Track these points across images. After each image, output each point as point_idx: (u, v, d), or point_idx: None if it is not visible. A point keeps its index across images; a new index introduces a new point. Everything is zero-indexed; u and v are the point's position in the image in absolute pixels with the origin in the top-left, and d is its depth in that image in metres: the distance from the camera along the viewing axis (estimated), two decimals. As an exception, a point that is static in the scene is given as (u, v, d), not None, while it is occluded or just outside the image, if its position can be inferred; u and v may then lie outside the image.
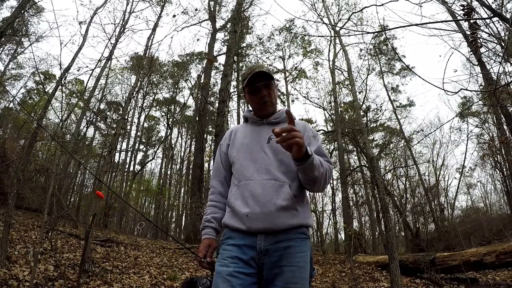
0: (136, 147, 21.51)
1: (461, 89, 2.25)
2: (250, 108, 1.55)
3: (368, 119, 14.72)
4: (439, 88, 1.93)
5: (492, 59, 6.78)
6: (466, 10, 2.50)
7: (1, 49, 15.39)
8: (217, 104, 9.28)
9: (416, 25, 1.96)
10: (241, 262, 1.18)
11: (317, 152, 1.33)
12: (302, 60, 18.86)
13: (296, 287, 1.15)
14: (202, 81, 13.90)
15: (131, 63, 16.27)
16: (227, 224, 1.30)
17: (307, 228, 1.28)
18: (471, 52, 6.13)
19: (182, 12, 12.96)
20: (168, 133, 19.94)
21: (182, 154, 22.56)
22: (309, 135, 1.42)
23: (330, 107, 15.56)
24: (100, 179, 4.08)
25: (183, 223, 20.24)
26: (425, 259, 6.07)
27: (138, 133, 21.47)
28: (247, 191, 1.26)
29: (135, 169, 20.63)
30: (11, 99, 16.94)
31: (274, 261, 1.18)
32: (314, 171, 1.17)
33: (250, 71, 1.42)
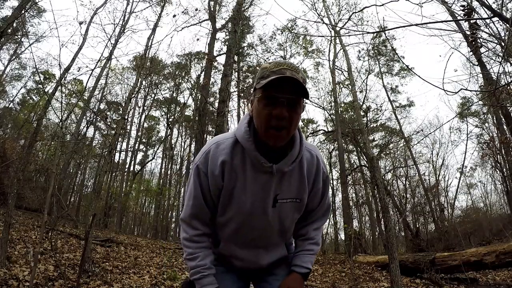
0: (136, 147, 21.52)
1: (461, 89, 2.26)
2: (248, 126, 1.05)
3: (368, 119, 14.73)
4: (439, 88, 1.93)
5: (492, 59, 6.79)
6: (466, 11, 2.50)
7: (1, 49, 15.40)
8: (217, 104, 9.29)
9: (416, 25, 1.96)
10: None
11: (322, 205, 1.23)
12: (303, 60, 18.89)
13: None
14: (201, 81, 13.91)
15: (134, 63, 16.28)
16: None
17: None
18: (471, 52, 6.13)
19: (182, 12, 12.97)
20: (168, 133, 19.96)
21: (182, 154, 22.58)
22: (319, 179, 1.16)
23: (330, 107, 15.60)
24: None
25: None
26: (425, 259, 6.07)
27: (138, 133, 21.49)
28: (234, 255, 1.22)
29: (135, 169, 20.66)
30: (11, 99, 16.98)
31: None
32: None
33: (278, 69, 0.97)
